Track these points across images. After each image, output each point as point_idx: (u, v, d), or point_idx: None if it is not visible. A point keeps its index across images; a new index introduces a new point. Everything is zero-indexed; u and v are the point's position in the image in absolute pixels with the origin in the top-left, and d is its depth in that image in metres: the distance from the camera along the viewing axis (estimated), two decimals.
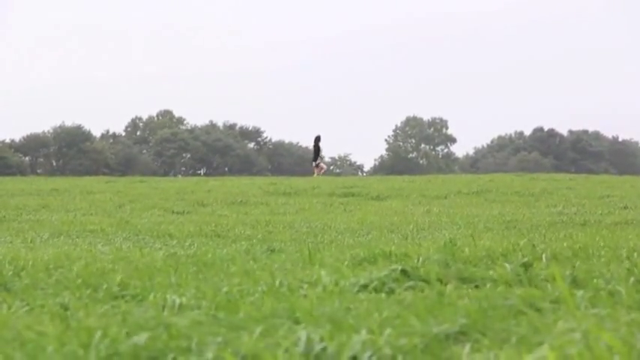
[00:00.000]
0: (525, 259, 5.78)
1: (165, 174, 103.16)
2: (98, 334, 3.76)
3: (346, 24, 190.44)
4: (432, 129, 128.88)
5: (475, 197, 22.32)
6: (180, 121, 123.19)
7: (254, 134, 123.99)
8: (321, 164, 40.35)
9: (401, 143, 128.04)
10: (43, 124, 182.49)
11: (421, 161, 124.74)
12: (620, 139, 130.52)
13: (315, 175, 39.07)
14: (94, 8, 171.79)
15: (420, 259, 5.89)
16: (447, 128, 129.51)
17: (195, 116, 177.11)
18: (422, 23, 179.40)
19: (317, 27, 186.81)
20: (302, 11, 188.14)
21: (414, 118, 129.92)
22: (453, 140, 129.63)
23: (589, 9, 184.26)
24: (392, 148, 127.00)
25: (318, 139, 40.10)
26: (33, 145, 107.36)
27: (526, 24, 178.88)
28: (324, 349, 3.51)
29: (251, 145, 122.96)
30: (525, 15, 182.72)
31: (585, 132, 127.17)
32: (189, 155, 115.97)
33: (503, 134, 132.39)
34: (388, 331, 3.69)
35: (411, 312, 4.16)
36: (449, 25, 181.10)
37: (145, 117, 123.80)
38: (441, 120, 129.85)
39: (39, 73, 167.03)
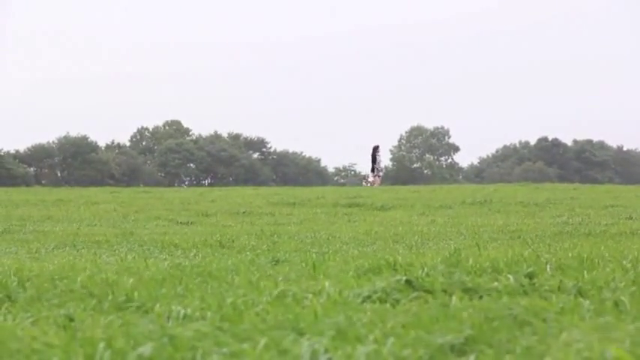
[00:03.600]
0: (530, 270, 5.77)
1: (170, 184, 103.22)
2: (103, 345, 3.76)
3: (346, 26, 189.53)
4: (435, 139, 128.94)
5: (479, 207, 22.31)
6: (186, 131, 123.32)
7: (258, 144, 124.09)
8: (380, 174, 40.21)
9: (405, 153, 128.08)
10: (47, 134, 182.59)
11: (425, 171, 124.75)
12: (624, 149, 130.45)
13: (376, 184, 38.94)
14: (96, 18, 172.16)
15: (425, 269, 5.88)
16: (449, 137, 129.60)
17: (199, 126, 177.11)
18: (424, 27, 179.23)
19: (315, 36, 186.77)
20: (297, 15, 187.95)
21: (418, 128, 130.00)
22: (456, 149, 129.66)
23: (593, 17, 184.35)
24: (396, 158, 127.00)
25: (376, 149, 40.08)
26: (38, 155, 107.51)
27: (528, 30, 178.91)
28: None
29: (255, 155, 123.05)
30: (527, 21, 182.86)
31: (590, 142, 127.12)
32: (193, 165, 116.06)
33: (508, 144, 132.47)
34: (393, 341, 3.69)
35: (416, 323, 4.16)
36: (450, 30, 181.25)
37: (150, 127, 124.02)
38: (444, 129, 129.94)
39: (44, 82, 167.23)
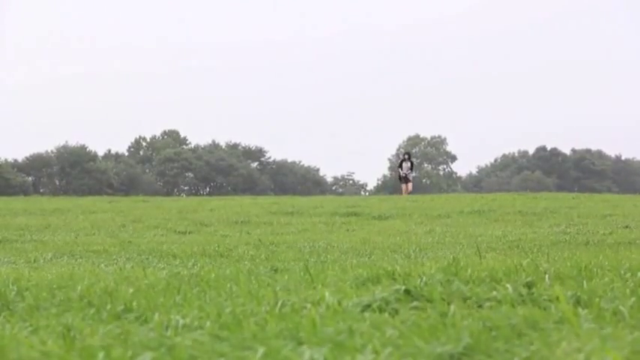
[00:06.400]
0: (528, 279, 5.77)
1: (168, 194, 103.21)
2: (102, 354, 3.76)
3: (340, 30, 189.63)
4: (433, 147, 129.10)
5: (478, 216, 22.31)
6: (183, 140, 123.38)
7: (257, 154, 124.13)
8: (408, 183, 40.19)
9: None
10: (46, 143, 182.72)
11: (424, 180, 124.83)
12: (623, 158, 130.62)
13: (408, 193, 39.11)
14: (98, 26, 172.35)
15: (424, 278, 5.88)
16: (446, 145, 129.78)
17: (197, 136, 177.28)
18: (421, 31, 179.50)
19: (310, 41, 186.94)
20: (294, 18, 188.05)
21: (416, 137, 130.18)
22: (453, 158, 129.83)
23: (593, 23, 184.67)
24: (394, 168, 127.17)
25: (409, 156, 40.83)
26: (36, 164, 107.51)
27: (526, 37, 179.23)
28: None
29: (254, 164, 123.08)
30: (525, 28, 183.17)
31: (588, 151, 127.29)
32: (192, 175, 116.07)
33: (506, 153, 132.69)
34: (392, 351, 3.69)
35: (415, 332, 4.16)
36: (446, 33, 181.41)
37: (148, 137, 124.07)
38: (441, 137, 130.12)
39: (42, 92, 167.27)
